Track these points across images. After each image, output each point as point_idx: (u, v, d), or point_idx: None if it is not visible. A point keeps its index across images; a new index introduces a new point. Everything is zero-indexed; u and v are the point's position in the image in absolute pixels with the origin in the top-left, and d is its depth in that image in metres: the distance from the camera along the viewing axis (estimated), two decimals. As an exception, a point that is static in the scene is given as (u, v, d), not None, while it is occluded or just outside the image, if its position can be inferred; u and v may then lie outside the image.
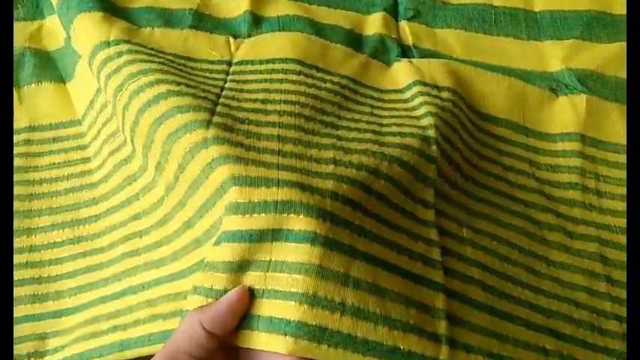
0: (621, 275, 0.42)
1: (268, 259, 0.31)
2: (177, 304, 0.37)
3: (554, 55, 0.54)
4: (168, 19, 0.50)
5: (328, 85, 0.44)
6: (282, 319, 0.29)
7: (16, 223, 0.45)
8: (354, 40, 0.52)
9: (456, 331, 0.32)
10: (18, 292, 0.43)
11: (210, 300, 0.31)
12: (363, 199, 0.34)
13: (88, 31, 0.46)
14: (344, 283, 0.30)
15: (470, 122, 0.46)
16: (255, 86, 0.43)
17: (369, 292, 0.30)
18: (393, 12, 0.56)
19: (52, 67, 0.54)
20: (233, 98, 0.41)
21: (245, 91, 0.42)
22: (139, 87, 0.40)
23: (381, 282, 0.31)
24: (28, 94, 0.52)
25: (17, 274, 0.43)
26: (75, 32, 0.48)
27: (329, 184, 0.33)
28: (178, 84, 0.40)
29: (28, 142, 0.50)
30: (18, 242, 0.45)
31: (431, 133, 0.41)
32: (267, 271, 0.30)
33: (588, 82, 0.52)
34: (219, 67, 0.46)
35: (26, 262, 0.44)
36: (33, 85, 0.53)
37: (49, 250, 0.45)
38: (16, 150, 0.49)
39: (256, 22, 0.51)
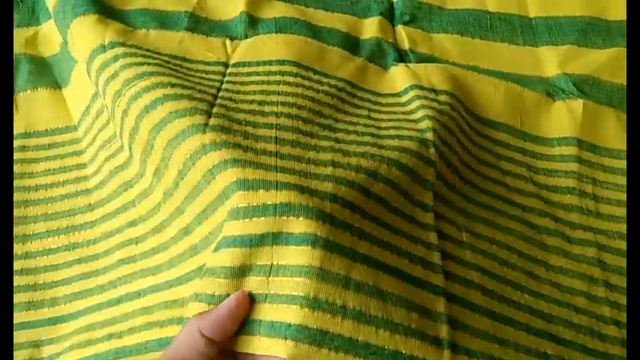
0: (619, 280, 0.42)
1: (269, 263, 0.30)
2: (173, 312, 0.36)
3: (550, 61, 0.55)
4: (163, 21, 0.49)
5: (325, 88, 0.44)
6: (283, 322, 0.28)
7: (11, 230, 0.45)
8: (351, 44, 0.52)
9: (458, 335, 0.32)
10: (13, 299, 0.42)
11: (211, 307, 0.30)
12: (362, 202, 0.34)
13: (84, 34, 0.46)
14: (345, 285, 0.29)
15: (468, 126, 0.46)
16: (252, 87, 0.43)
17: (371, 296, 0.30)
18: (389, 16, 0.56)
19: (47, 73, 0.54)
20: (230, 99, 0.41)
21: (242, 92, 0.42)
22: (137, 92, 0.40)
23: (382, 285, 0.31)
24: (23, 100, 0.52)
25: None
26: (72, 37, 0.48)
27: (328, 187, 0.33)
28: (174, 86, 0.40)
29: (23, 148, 0.49)
30: (13, 249, 0.44)
31: (429, 136, 0.40)
32: (270, 276, 0.30)
33: (584, 87, 0.52)
34: (215, 69, 0.45)
35: (21, 269, 0.44)
36: (29, 91, 0.52)
37: (45, 257, 0.44)
38: (11, 156, 0.49)
39: (252, 23, 0.51)
